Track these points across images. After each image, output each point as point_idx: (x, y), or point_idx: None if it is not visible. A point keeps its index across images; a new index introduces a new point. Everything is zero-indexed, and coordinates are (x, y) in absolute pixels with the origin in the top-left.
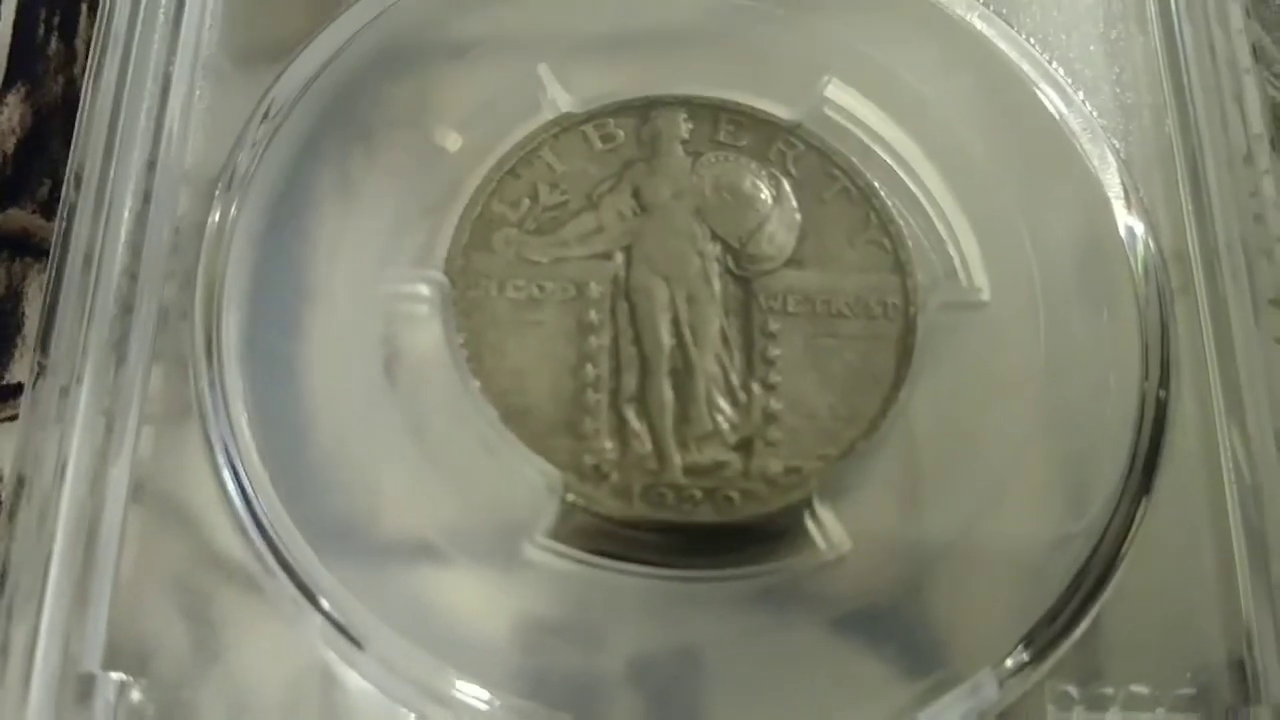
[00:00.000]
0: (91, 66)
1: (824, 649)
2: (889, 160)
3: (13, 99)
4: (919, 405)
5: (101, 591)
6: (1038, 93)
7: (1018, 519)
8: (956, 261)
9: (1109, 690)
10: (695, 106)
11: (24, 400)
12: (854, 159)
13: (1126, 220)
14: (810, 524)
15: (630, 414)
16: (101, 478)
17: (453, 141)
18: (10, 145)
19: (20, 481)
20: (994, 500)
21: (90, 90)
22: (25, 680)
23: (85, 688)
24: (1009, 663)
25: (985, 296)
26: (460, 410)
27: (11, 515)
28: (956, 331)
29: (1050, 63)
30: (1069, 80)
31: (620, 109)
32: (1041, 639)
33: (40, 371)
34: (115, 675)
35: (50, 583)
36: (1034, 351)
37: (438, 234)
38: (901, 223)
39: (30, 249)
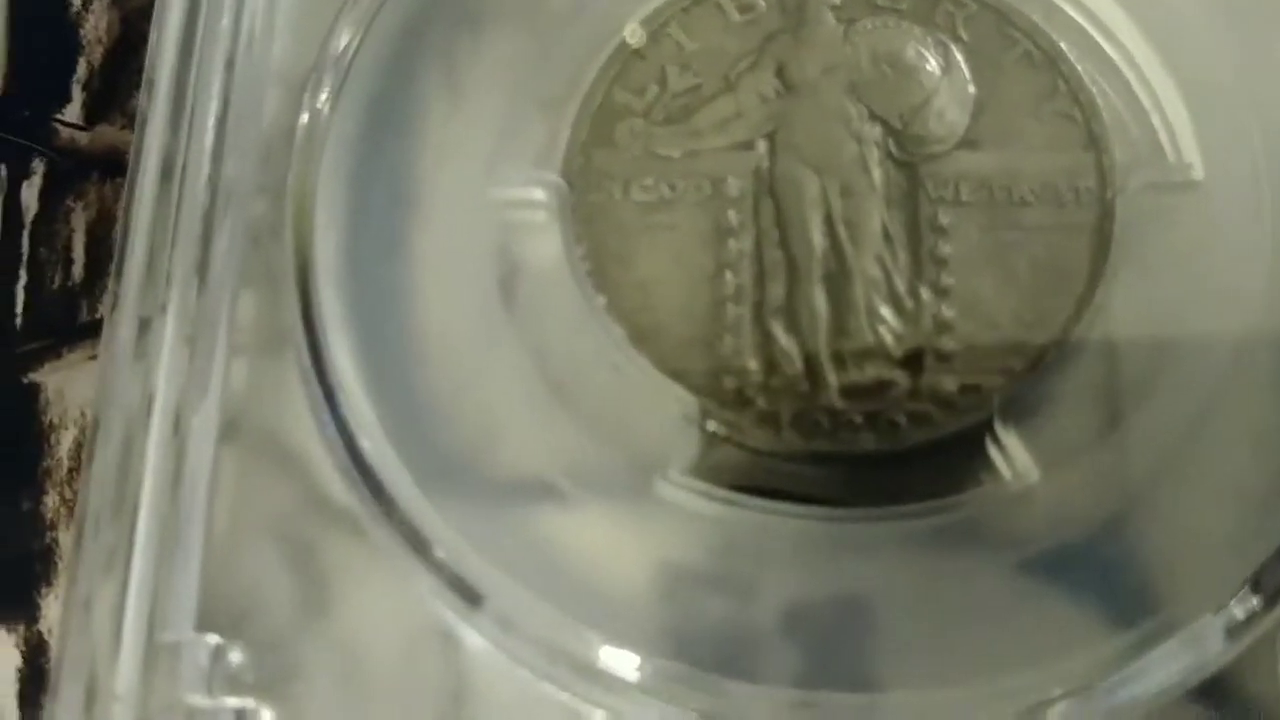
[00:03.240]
0: None
1: (1010, 596)
2: (1078, 17)
3: (98, 6)
4: (1119, 306)
5: (192, 543)
6: None
7: (1239, 437)
8: (1162, 134)
9: None
10: None
11: (103, 334)
12: (1036, 18)
13: None
14: (992, 450)
15: (777, 329)
16: (189, 417)
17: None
18: (97, 56)
19: (97, 424)
20: (1211, 416)
21: None
22: (112, 644)
23: (177, 651)
24: (1235, 608)
25: (1197, 174)
26: (584, 331)
27: (90, 460)
28: (1163, 217)
29: None
30: None
31: None
32: (1273, 579)
33: (115, 302)
34: (210, 637)
35: (138, 536)
36: (1257, 238)
37: (555, 130)
38: (1095, 90)
39: (122, 169)
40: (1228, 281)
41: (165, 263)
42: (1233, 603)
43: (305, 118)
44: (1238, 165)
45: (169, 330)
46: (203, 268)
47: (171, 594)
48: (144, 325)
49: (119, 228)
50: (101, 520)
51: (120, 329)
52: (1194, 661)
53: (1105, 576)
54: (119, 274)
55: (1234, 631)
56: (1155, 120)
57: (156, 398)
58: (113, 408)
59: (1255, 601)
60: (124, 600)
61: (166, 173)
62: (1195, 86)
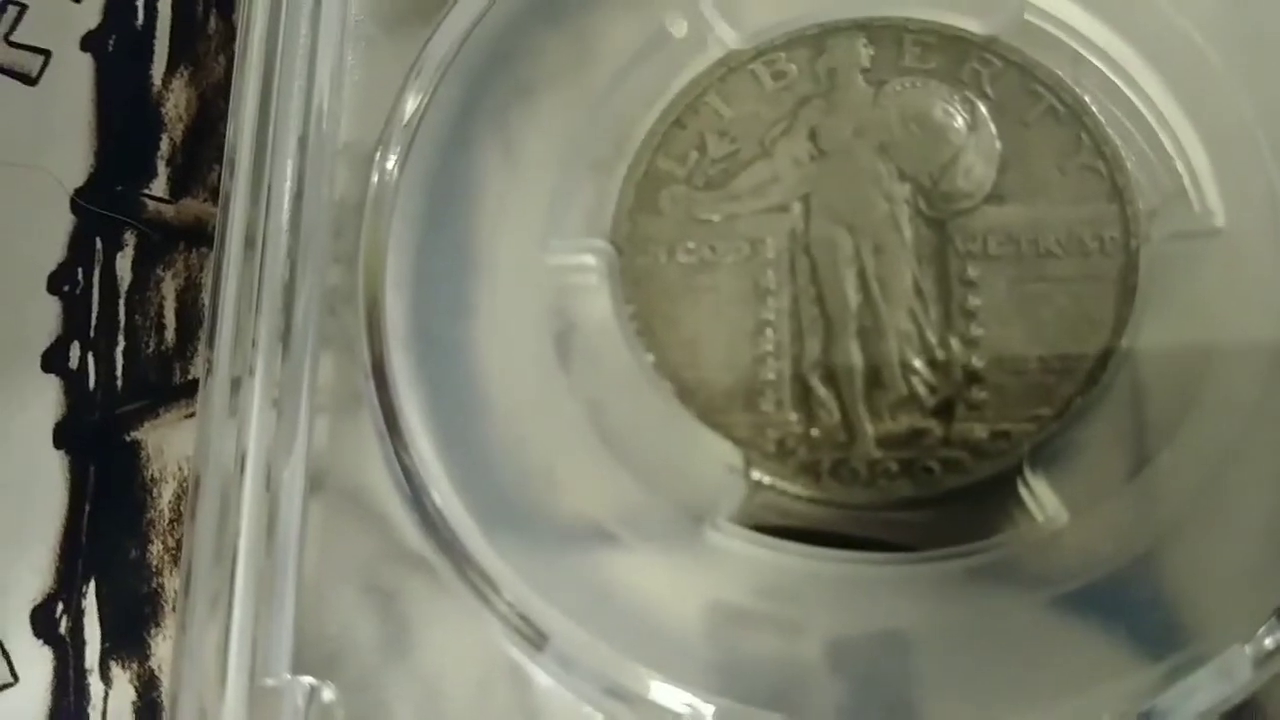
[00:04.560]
0: (239, 47)
1: (1043, 632)
2: (1103, 68)
3: (177, 84)
4: (1145, 352)
5: (286, 590)
6: None
7: (1264, 477)
8: (1186, 182)
9: None
10: (875, 29)
11: (199, 397)
12: (1059, 72)
13: None
14: (1023, 494)
15: (815, 382)
16: (278, 473)
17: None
18: (179, 133)
19: (198, 481)
20: (1236, 457)
21: (238, 71)
22: (219, 684)
23: (277, 694)
24: (1264, 638)
25: (1219, 222)
26: (635, 387)
27: (192, 514)
28: (1186, 264)
29: None
30: None
31: (792, 41)
32: None
33: (209, 368)
34: (304, 679)
35: (238, 583)
36: (1278, 282)
37: (603, 196)
38: (1119, 141)
39: (205, 239)
40: (1250, 326)
41: (251, 330)
42: (1260, 633)
43: (373, 189)
44: (1259, 212)
45: (257, 393)
46: (285, 334)
47: (269, 637)
48: (235, 386)
49: (208, 298)
50: (205, 569)
51: (214, 393)
52: (1223, 691)
53: (1135, 611)
54: (210, 341)
55: (1262, 661)
56: (1178, 168)
57: (249, 456)
58: (210, 466)
59: None
60: (227, 642)
61: (249, 246)
62: (1217, 134)
